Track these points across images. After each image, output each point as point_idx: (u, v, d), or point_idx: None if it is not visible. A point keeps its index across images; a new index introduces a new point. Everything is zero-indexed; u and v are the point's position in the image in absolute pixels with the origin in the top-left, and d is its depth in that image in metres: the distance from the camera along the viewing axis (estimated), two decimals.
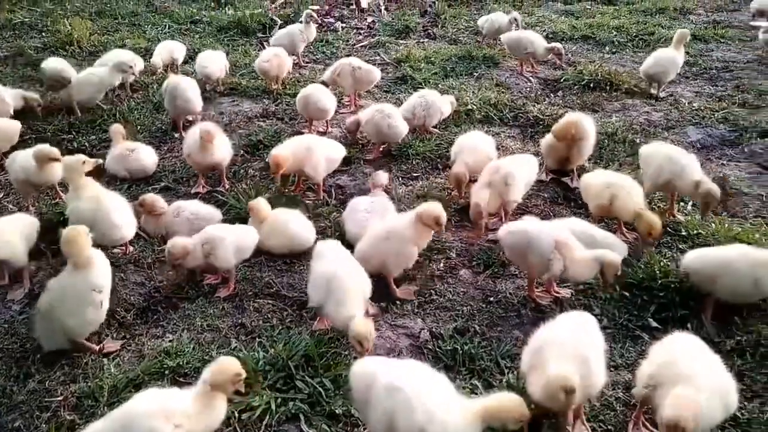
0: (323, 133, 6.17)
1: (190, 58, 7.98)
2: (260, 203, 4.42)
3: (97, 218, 4.06)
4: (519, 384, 3.15)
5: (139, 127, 6.28)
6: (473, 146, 5.08)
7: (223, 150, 5.14)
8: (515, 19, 8.37)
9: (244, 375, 2.82)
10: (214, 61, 6.98)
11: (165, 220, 4.54)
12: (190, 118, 6.34)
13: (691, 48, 8.55)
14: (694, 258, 3.77)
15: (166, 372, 3.31)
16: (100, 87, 6.56)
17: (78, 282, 3.39)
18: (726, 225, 4.50)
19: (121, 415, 2.60)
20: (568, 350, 2.80)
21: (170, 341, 3.58)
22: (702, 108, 6.63)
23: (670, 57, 6.82)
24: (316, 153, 4.98)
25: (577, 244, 3.75)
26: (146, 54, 7.91)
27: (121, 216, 4.22)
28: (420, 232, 3.96)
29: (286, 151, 4.88)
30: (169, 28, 9.78)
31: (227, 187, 5.24)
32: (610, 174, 4.62)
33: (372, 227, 4.08)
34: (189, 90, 6.02)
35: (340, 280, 3.45)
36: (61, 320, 3.35)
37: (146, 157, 5.40)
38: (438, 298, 4.01)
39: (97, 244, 3.60)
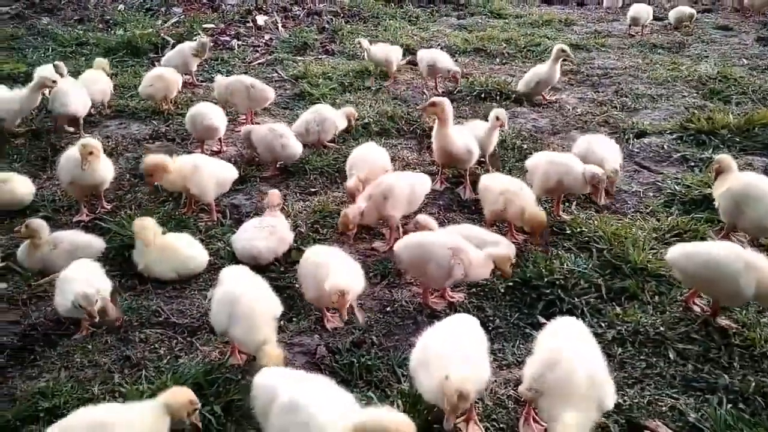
0: (217, 153, 6.03)
1: None
2: (146, 222, 4.22)
3: None
4: (413, 391, 3.16)
5: (16, 155, 5.88)
6: (367, 159, 5.10)
7: (106, 168, 4.91)
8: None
9: (198, 405, 2.80)
10: (95, 83, 6.66)
11: (42, 252, 4.26)
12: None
13: (575, 57, 9.06)
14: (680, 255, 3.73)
15: (42, 414, 3.07)
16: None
17: None
18: (605, 221, 4.74)
19: None
20: (451, 348, 2.84)
21: (46, 381, 3.33)
22: (585, 113, 7.01)
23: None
24: (203, 172, 4.83)
25: (471, 246, 3.82)
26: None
27: None
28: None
29: (164, 158, 4.77)
30: (52, 51, 9.29)
31: (108, 209, 5.03)
32: (506, 178, 4.72)
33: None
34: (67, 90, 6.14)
35: (245, 303, 3.29)
36: None
37: (21, 187, 5.04)
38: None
39: None
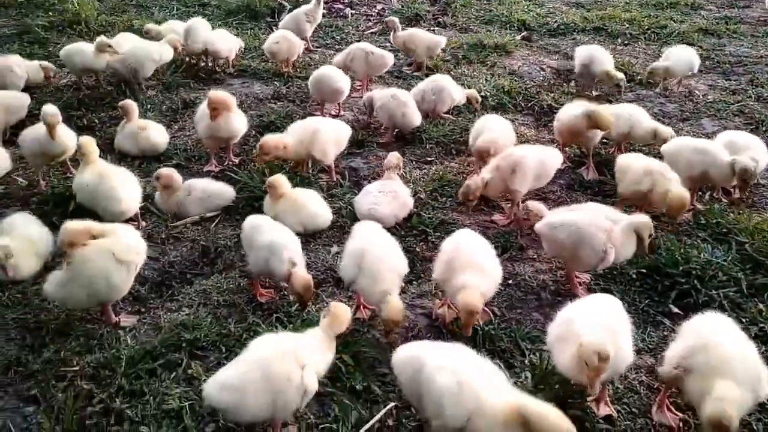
0: (335, 116, 6.10)
1: None
2: (280, 180, 4.35)
3: (99, 192, 4.17)
4: (543, 365, 3.11)
5: (149, 105, 6.20)
6: (493, 130, 5.01)
7: (240, 122, 5.11)
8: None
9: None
10: (224, 40, 6.89)
11: (177, 197, 4.48)
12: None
13: (704, 42, 8.53)
14: None
15: (184, 345, 3.27)
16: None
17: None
18: (745, 215, 4.46)
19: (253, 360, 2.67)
20: (598, 323, 2.76)
21: (187, 315, 3.53)
22: (716, 101, 6.59)
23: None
24: (324, 136, 4.89)
25: (615, 227, 3.64)
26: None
27: (124, 191, 4.19)
28: None
29: (280, 139, 4.78)
30: (177, 11, 9.68)
31: (235, 162, 5.22)
32: (648, 158, 4.51)
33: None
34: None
35: (373, 255, 3.37)
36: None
37: (157, 135, 5.31)
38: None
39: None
